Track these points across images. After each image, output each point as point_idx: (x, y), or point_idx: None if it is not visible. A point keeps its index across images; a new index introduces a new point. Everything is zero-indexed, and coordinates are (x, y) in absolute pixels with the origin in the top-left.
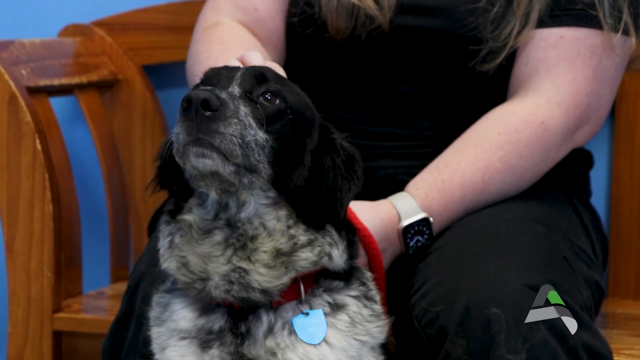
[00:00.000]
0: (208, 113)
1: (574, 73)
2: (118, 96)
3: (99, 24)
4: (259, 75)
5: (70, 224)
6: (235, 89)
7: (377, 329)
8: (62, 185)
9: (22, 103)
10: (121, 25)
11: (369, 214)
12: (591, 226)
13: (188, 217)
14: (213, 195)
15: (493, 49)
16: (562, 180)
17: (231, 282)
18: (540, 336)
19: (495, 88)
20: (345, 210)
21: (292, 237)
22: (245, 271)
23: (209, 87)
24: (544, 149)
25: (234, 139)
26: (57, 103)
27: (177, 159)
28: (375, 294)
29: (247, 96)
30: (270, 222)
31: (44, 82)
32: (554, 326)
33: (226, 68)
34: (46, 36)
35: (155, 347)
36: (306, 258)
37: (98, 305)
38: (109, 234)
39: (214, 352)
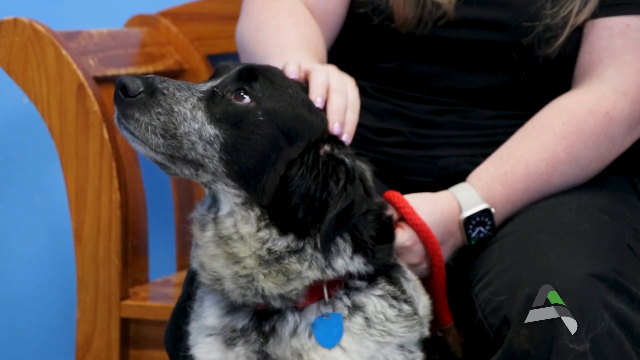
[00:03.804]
0: (127, 99)
1: None
2: None
3: (165, 14)
4: (247, 72)
5: (137, 212)
6: (210, 83)
7: (404, 329)
8: (129, 173)
9: (90, 92)
10: (186, 15)
11: (428, 206)
12: None
13: (194, 214)
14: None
15: (551, 26)
16: (626, 167)
17: (243, 288)
18: (605, 325)
19: (559, 78)
20: (326, 229)
21: (263, 241)
22: (251, 277)
23: (147, 77)
24: (608, 139)
25: (149, 127)
26: None
27: None
28: (411, 294)
29: (215, 90)
30: (241, 223)
31: (111, 71)
32: (619, 315)
33: (235, 63)
34: (113, 26)
35: (190, 342)
36: (299, 271)
37: (164, 292)
38: (175, 222)
39: (239, 349)
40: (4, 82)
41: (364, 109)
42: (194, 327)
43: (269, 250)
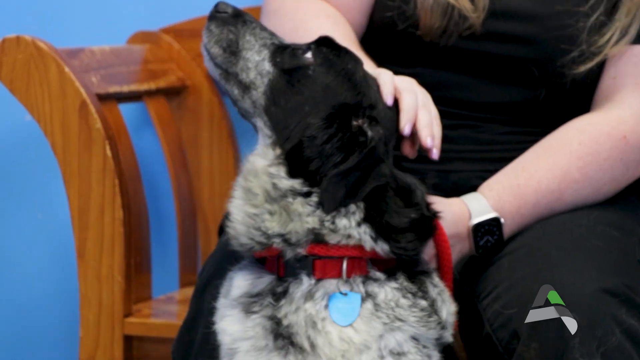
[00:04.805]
0: (214, 13)
1: None
2: (186, 102)
3: (167, 30)
4: (325, 39)
5: (139, 229)
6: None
7: (416, 318)
8: (131, 191)
9: (93, 110)
10: (189, 32)
11: (440, 206)
12: None
13: None
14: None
15: (586, 52)
16: (637, 184)
17: (250, 227)
18: (615, 340)
19: (578, 98)
20: (326, 184)
21: (271, 175)
22: (259, 217)
23: (242, 11)
24: (623, 163)
25: (216, 37)
26: (126, 109)
27: None
28: (434, 298)
29: (291, 45)
30: (259, 158)
31: (113, 88)
32: (630, 330)
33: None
34: (115, 43)
35: (217, 317)
36: (299, 213)
37: (167, 309)
38: (178, 239)
39: (256, 317)
40: (7, 100)
41: None
42: (221, 303)
43: (274, 186)
